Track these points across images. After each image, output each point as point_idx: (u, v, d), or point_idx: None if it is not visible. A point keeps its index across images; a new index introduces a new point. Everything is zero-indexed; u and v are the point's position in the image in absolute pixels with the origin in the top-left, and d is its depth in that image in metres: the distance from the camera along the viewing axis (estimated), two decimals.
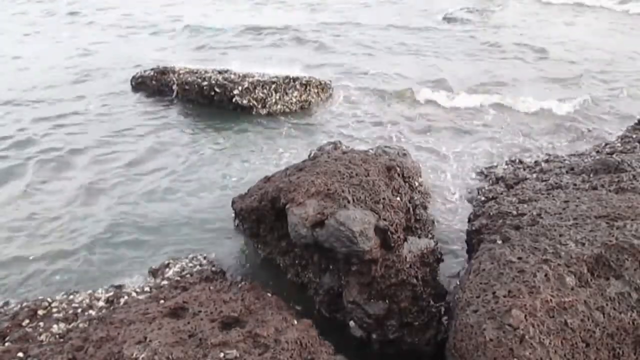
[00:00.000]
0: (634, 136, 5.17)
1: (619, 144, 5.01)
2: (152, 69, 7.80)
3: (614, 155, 4.38)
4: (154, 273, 3.89)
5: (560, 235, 2.99)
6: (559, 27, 11.19)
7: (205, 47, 10.02)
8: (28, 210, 4.79)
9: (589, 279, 2.67)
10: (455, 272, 3.92)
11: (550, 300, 2.51)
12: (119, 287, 3.70)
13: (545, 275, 2.64)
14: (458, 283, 3.63)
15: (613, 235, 2.89)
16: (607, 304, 2.53)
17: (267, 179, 4.30)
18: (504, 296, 2.56)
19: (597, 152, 4.92)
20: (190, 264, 3.98)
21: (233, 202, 4.32)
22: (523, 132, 6.25)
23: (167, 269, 3.89)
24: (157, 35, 11.19)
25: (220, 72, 7.35)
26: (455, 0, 13.34)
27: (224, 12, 13.28)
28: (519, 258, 2.83)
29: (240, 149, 5.93)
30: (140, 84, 7.74)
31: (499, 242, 3.09)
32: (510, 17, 12.24)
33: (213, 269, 3.88)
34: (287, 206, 3.52)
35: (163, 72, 7.64)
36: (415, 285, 3.29)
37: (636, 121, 5.66)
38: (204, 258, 4.08)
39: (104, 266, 4.07)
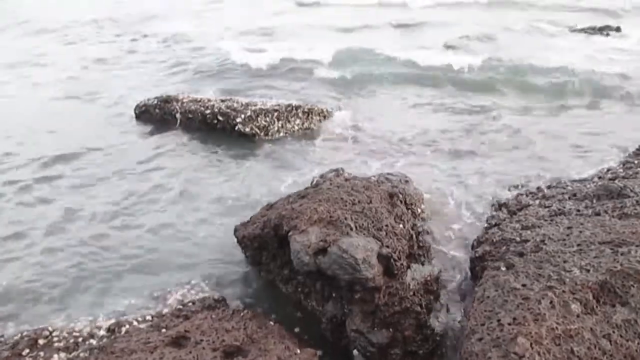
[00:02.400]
0: (636, 162, 5.18)
1: (621, 170, 5.01)
2: (155, 98, 7.88)
3: (616, 181, 4.39)
4: (155, 301, 3.87)
5: (565, 262, 2.98)
6: (559, 51, 11.29)
7: None
8: (28, 237, 4.79)
9: (595, 306, 2.65)
10: (460, 299, 3.88)
11: (556, 327, 2.48)
12: (121, 315, 3.68)
13: (551, 302, 2.62)
14: (462, 311, 3.61)
15: (618, 262, 2.87)
16: (613, 332, 2.50)
17: (270, 207, 4.30)
18: (509, 324, 2.53)
19: (599, 177, 4.92)
20: (192, 292, 3.96)
21: (236, 230, 4.32)
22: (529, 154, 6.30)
23: (169, 297, 3.87)
24: None
25: (223, 101, 7.43)
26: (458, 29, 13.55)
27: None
28: (524, 285, 2.81)
29: (243, 177, 5.95)
30: (143, 113, 7.81)
31: (503, 268, 3.08)
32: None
33: (215, 297, 3.85)
34: (290, 233, 3.52)
35: (166, 100, 7.71)
36: (419, 313, 3.26)
37: (638, 147, 5.68)
38: (206, 286, 4.06)
39: (106, 294, 4.04)
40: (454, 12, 16.16)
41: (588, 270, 2.85)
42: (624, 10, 16.02)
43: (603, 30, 13.41)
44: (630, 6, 16.24)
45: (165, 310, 3.68)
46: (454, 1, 17.44)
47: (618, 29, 13.31)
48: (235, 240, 4.32)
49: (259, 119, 6.90)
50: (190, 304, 3.76)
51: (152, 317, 3.59)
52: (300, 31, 14.04)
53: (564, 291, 2.70)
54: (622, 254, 2.95)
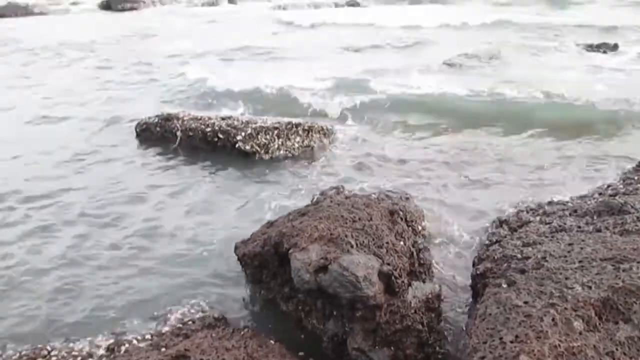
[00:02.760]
0: (636, 177, 5.18)
1: (621, 186, 5.01)
2: (156, 116, 7.92)
3: (616, 197, 4.38)
4: (155, 320, 3.84)
5: (566, 279, 2.97)
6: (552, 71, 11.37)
7: None
8: (26, 256, 4.78)
9: (597, 323, 2.63)
10: (461, 317, 3.86)
11: (559, 345, 2.46)
12: (120, 334, 3.65)
13: (553, 319, 2.60)
14: (464, 328, 3.59)
15: (620, 278, 2.86)
16: (617, 349, 2.48)
17: (270, 224, 4.30)
18: (511, 342, 2.51)
19: (600, 194, 4.92)
20: (192, 311, 3.93)
21: (236, 248, 4.31)
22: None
23: (169, 316, 3.85)
24: None
25: (223, 119, 7.46)
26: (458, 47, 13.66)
27: None
28: (525, 302, 2.80)
29: (243, 194, 5.95)
30: (144, 131, 7.84)
31: (505, 286, 3.06)
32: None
33: (215, 315, 3.83)
34: (290, 251, 3.51)
35: (167, 118, 7.74)
36: (420, 331, 3.24)
37: (637, 163, 5.68)
38: (206, 304, 4.03)
39: (105, 313, 4.02)
40: (458, 32, 16.30)
41: (590, 287, 2.84)
42: (624, 27, 16.15)
43: (600, 47, 13.54)
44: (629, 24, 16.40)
45: (165, 329, 3.65)
46: (459, 23, 17.53)
47: (615, 46, 13.43)
48: (236, 258, 4.31)
49: (259, 136, 6.92)
50: (190, 322, 3.74)
51: (152, 336, 3.56)
52: (300, 53, 14.10)
53: (566, 308, 2.68)
54: (623, 271, 2.94)
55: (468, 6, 24.40)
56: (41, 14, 26.69)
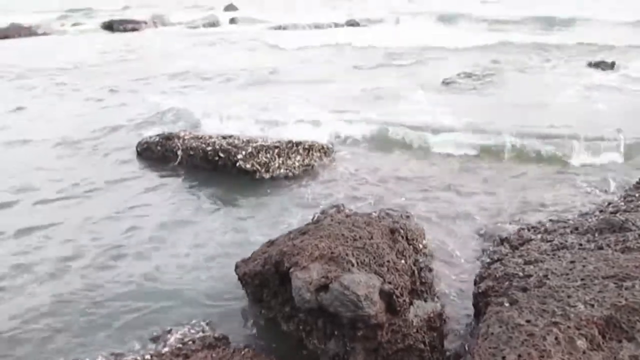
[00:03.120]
0: (637, 195, 5.18)
1: (622, 203, 5.01)
2: (157, 135, 7.96)
3: (618, 215, 4.38)
4: (155, 340, 3.81)
5: (569, 297, 2.95)
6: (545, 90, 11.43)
7: None
8: (24, 275, 4.78)
9: (601, 342, 2.61)
10: (463, 336, 3.83)
11: None
12: (119, 355, 3.62)
13: (556, 338, 2.58)
14: (466, 348, 3.56)
15: (622, 296, 2.85)
16: None
17: (271, 243, 4.29)
18: None
19: (601, 211, 4.92)
20: (192, 331, 3.91)
21: (236, 267, 4.29)
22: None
23: (169, 336, 3.82)
24: None
25: (224, 137, 7.49)
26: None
27: None
28: (528, 321, 2.78)
29: (244, 213, 5.95)
30: (145, 150, 7.87)
31: (507, 304, 3.04)
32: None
33: (215, 335, 3.80)
34: (291, 270, 3.50)
35: (168, 137, 7.78)
36: (422, 350, 3.22)
37: (638, 180, 5.69)
38: (207, 324, 4.01)
39: (104, 333, 3.99)
40: (460, 53, 16.42)
41: (593, 305, 2.82)
42: (625, 46, 16.27)
43: (599, 65, 13.65)
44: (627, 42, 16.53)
45: (165, 350, 3.63)
46: (459, 43, 17.63)
47: (613, 65, 13.54)
48: (236, 277, 4.29)
49: (260, 155, 6.94)
50: (190, 342, 3.71)
51: (152, 356, 3.54)
52: (300, 75, 14.14)
53: (569, 327, 2.66)
54: (626, 289, 2.92)
55: (466, 25, 24.70)
56: (44, 34, 27.04)
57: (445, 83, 12.18)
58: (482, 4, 32.56)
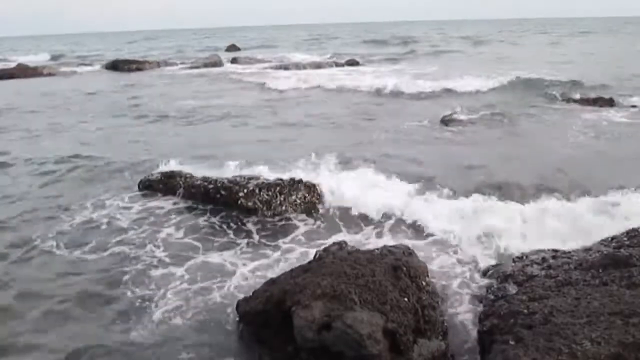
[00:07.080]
0: None
1: (625, 238, 4.97)
2: (159, 172, 7.99)
3: (621, 250, 4.35)
4: None
5: (575, 334, 2.91)
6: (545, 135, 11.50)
7: None
8: (22, 308, 4.76)
9: None
10: None
11: None
12: None
13: None
14: None
15: (629, 333, 2.81)
16: None
17: (273, 281, 4.26)
18: None
19: (604, 246, 4.88)
20: None
21: (238, 305, 4.25)
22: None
23: None
24: None
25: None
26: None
27: None
28: (534, 359, 2.73)
29: (246, 252, 5.92)
30: (147, 187, 7.89)
31: (512, 342, 3.00)
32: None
33: None
34: (293, 309, 3.47)
35: (170, 175, 7.82)
36: None
37: None
38: None
39: None
40: (465, 95, 16.60)
41: (599, 343, 2.78)
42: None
43: (597, 102, 13.79)
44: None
45: None
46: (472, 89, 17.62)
47: (611, 101, 13.68)
48: (237, 317, 4.25)
49: (261, 193, 6.95)
50: None
51: None
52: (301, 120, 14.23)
53: None
54: (633, 325, 2.89)
55: (464, 63, 25.04)
56: (49, 75, 27.56)
57: (444, 122, 12.32)
58: None
